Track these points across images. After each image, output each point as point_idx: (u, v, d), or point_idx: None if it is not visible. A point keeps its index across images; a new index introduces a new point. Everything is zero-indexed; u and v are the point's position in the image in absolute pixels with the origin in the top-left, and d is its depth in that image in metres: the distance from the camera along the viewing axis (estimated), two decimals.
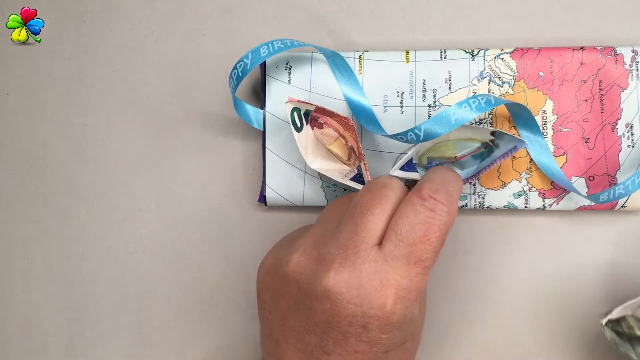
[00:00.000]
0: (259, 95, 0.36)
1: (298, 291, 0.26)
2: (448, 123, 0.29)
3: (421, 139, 0.29)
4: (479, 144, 0.30)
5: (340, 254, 0.25)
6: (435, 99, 0.33)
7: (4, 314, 0.38)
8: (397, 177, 0.30)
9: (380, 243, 0.25)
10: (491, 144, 0.30)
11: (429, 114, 0.33)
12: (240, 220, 0.36)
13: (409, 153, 0.29)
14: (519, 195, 0.33)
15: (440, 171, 0.28)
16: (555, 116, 0.33)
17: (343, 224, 0.26)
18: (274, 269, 0.28)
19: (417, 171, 0.31)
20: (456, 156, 0.30)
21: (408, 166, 0.30)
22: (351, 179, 0.32)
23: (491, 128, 0.29)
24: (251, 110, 0.34)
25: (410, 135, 0.29)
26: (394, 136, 0.30)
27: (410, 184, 0.30)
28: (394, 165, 0.30)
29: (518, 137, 0.28)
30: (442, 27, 0.35)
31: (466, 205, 0.33)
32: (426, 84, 0.33)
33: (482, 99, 0.29)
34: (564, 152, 0.33)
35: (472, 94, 0.33)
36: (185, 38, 0.37)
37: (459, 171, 0.31)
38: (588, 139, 0.33)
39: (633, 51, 0.32)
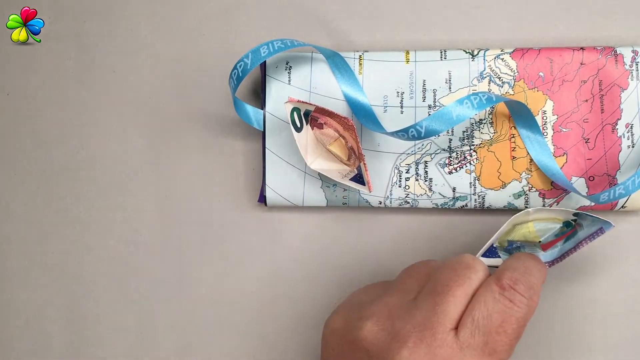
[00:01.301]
0: (259, 95, 0.36)
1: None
2: (449, 120, 0.29)
3: (422, 135, 0.29)
4: (560, 225, 0.29)
5: (416, 332, 0.25)
6: (435, 99, 0.33)
7: (4, 314, 0.38)
8: None
9: (457, 327, 0.25)
10: (574, 223, 0.29)
11: (429, 115, 0.33)
12: (240, 220, 0.36)
13: (491, 240, 0.29)
14: (519, 196, 0.33)
15: (523, 259, 0.27)
16: (555, 116, 0.33)
17: (421, 300, 0.26)
18: (342, 331, 0.27)
19: (499, 256, 0.30)
20: (540, 241, 0.29)
21: (490, 252, 0.29)
22: (351, 179, 0.32)
23: (573, 210, 0.28)
24: (251, 110, 0.34)
25: (412, 131, 0.29)
26: (395, 133, 0.30)
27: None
28: (477, 252, 0.29)
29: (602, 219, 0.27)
30: (442, 27, 0.35)
31: (466, 205, 0.33)
32: (426, 84, 0.33)
33: (483, 96, 0.29)
34: (564, 153, 0.33)
35: None
36: (185, 38, 0.37)
37: (542, 254, 0.30)
38: (588, 139, 0.33)
39: (633, 51, 0.32)
